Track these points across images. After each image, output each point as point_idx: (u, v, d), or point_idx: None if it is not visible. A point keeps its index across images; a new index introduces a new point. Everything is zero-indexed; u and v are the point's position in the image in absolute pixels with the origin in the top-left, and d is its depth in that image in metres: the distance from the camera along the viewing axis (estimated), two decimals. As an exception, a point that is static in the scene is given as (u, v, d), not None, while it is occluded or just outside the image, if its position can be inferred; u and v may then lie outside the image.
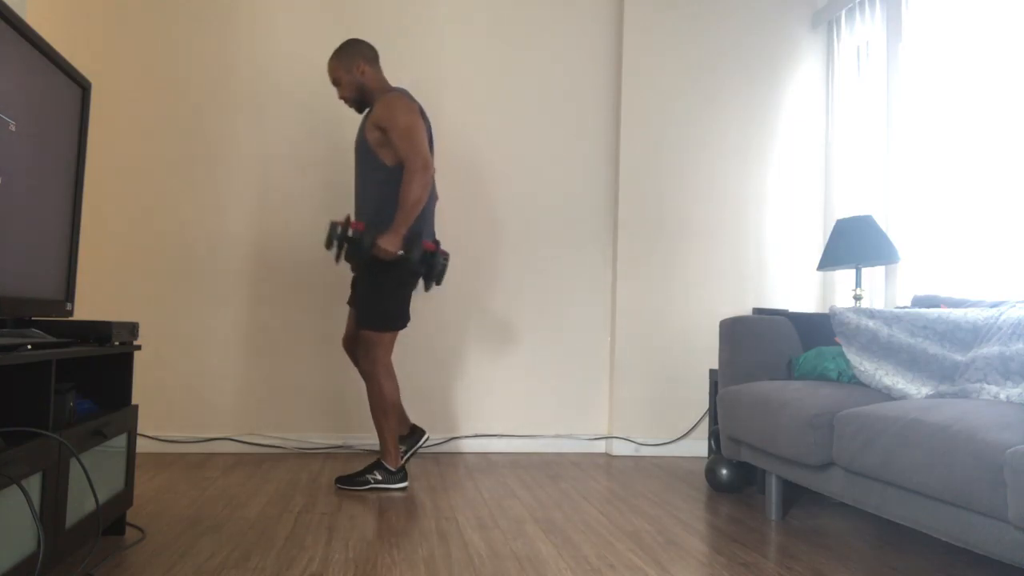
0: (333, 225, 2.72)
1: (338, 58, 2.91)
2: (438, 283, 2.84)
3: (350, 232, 2.72)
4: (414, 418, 3.60)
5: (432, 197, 2.91)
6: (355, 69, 2.89)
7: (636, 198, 3.83)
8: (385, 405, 2.84)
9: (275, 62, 3.66)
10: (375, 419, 2.86)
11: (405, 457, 2.96)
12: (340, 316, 3.62)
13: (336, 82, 2.93)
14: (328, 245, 2.73)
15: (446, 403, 3.71)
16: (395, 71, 3.72)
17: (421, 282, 2.86)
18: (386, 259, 2.72)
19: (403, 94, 2.88)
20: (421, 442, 3.05)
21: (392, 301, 2.83)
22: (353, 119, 3.70)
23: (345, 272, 3.64)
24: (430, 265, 2.80)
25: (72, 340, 1.85)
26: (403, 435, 3.01)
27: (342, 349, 3.62)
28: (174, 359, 3.52)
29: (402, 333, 3.61)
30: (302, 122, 3.66)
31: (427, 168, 2.75)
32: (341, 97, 2.94)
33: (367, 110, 2.95)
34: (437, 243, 2.84)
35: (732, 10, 3.94)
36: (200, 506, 2.48)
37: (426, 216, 2.87)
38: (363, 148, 2.87)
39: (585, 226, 3.85)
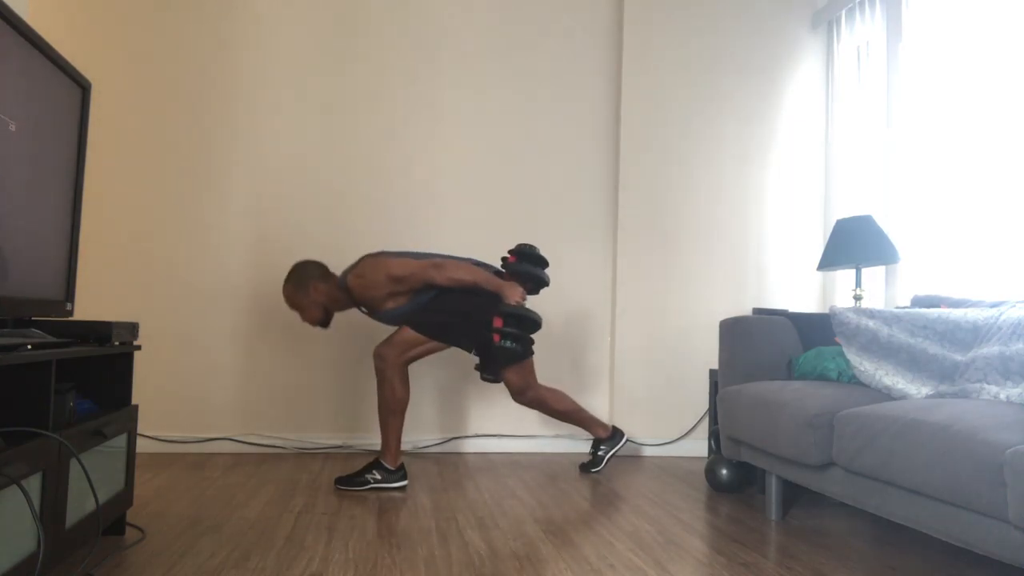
0: (499, 347, 2.81)
1: (292, 287, 2.93)
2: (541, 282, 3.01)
3: (507, 330, 2.81)
4: (418, 418, 3.61)
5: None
6: (312, 292, 2.91)
7: (636, 198, 3.83)
8: (392, 406, 2.86)
9: (275, 62, 3.66)
10: (381, 417, 2.87)
11: (606, 459, 3.24)
12: (339, 315, 3.62)
13: (297, 308, 2.94)
14: (516, 353, 2.84)
15: (446, 403, 3.71)
16: (394, 72, 3.73)
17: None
18: (524, 301, 2.88)
19: (355, 273, 2.89)
20: (622, 443, 3.26)
21: (441, 315, 2.89)
22: (352, 120, 3.70)
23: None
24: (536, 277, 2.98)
25: (72, 340, 1.85)
26: (605, 437, 3.26)
27: (343, 349, 3.62)
28: (174, 359, 3.52)
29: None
30: (302, 121, 3.66)
31: (435, 264, 2.85)
32: (305, 320, 2.97)
33: (358, 303, 2.97)
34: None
35: (732, 10, 3.94)
36: (200, 506, 2.48)
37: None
38: (396, 317, 2.93)
39: (585, 226, 3.86)
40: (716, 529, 2.39)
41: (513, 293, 2.86)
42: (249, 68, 3.64)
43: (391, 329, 3.55)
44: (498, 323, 2.81)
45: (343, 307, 3.00)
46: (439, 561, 1.99)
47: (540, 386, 3.16)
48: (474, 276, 2.86)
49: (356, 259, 3.02)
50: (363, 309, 3.00)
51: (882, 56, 3.51)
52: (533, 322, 2.85)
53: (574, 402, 3.24)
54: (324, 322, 2.99)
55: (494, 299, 2.89)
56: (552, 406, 3.18)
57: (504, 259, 3.02)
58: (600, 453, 3.26)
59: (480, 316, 2.86)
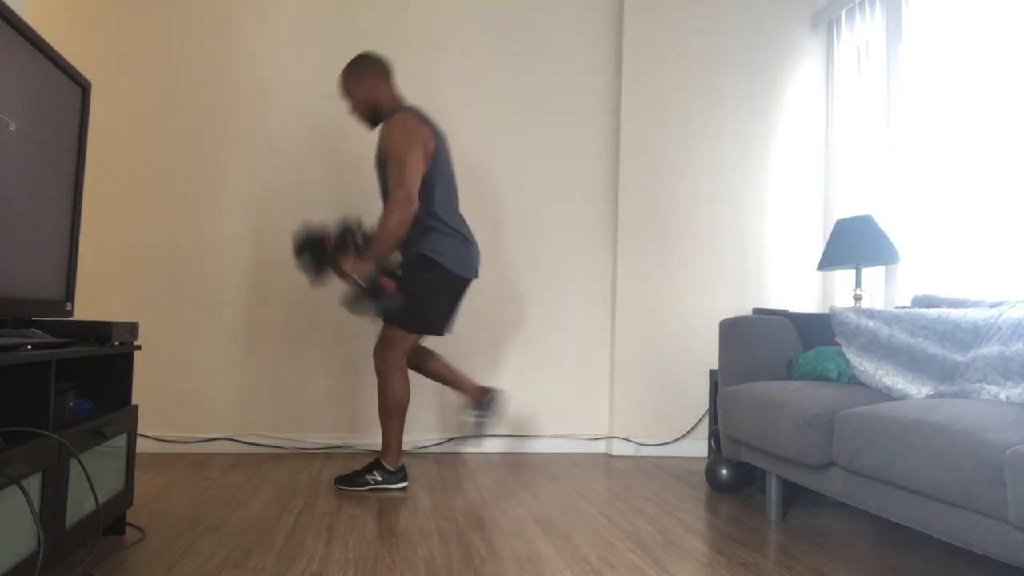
0: (306, 233, 2.70)
1: (350, 71, 2.87)
2: (380, 315, 2.81)
3: (321, 243, 2.72)
4: (418, 418, 3.60)
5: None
6: (366, 83, 2.84)
7: (636, 198, 3.83)
8: (394, 406, 2.85)
9: (275, 61, 3.66)
10: (381, 417, 2.86)
11: (486, 416, 3.00)
12: (340, 315, 3.62)
13: (347, 95, 2.88)
14: (299, 251, 2.72)
15: (446, 403, 3.70)
16: (394, 72, 3.72)
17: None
18: (340, 277, 2.72)
19: (411, 114, 2.81)
20: (497, 400, 3.02)
21: (422, 303, 2.82)
22: (352, 120, 3.70)
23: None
24: (376, 297, 2.73)
25: (72, 340, 1.85)
26: (479, 399, 3.00)
27: (343, 349, 3.62)
28: (174, 359, 3.52)
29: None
30: (302, 121, 3.66)
31: (410, 202, 2.70)
32: (351, 112, 2.90)
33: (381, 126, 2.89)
34: (397, 283, 2.76)
35: (732, 10, 3.94)
36: (200, 506, 2.48)
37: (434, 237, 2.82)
38: (382, 168, 2.84)
39: (585, 226, 3.86)
40: (716, 529, 2.39)
41: (354, 268, 2.69)
42: (248, 68, 3.64)
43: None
44: (327, 240, 2.71)
45: (384, 117, 2.85)
46: (439, 561, 1.99)
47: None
48: (391, 234, 2.68)
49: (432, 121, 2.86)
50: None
51: (882, 56, 3.51)
52: (322, 265, 2.72)
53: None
54: (370, 121, 2.89)
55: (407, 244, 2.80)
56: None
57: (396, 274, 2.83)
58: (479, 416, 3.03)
59: (431, 296, 2.81)
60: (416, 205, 2.73)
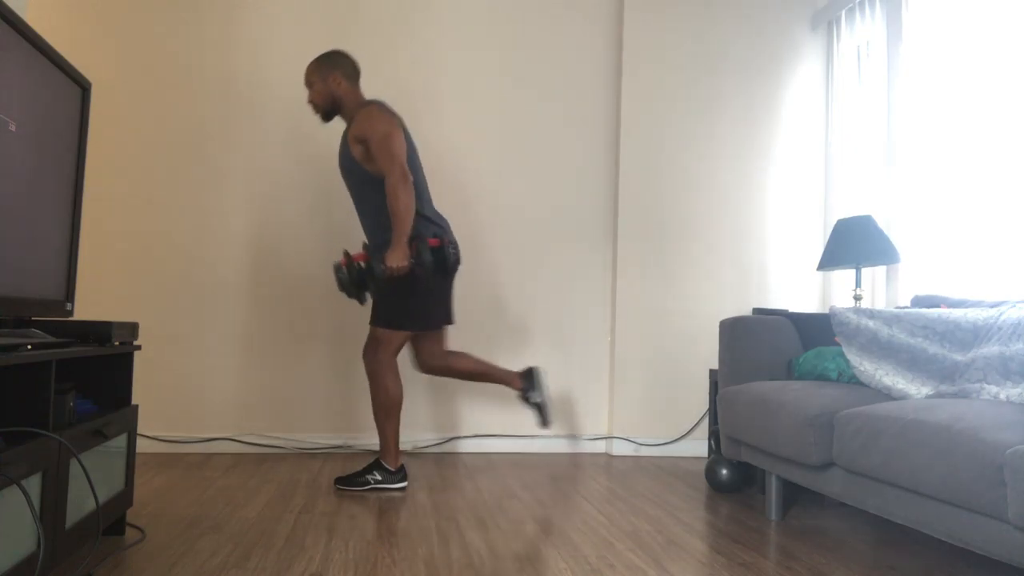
0: (337, 267, 2.70)
1: (317, 63, 2.90)
2: (452, 272, 2.85)
3: (357, 266, 2.71)
4: (417, 418, 3.61)
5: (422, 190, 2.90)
6: (331, 79, 2.87)
7: (636, 198, 3.83)
8: (388, 405, 2.84)
9: (275, 62, 3.66)
10: (376, 418, 2.86)
11: (541, 395, 3.04)
12: (340, 315, 3.63)
13: (309, 85, 2.92)
14: (343, 287, 2.71)
15: (446, 403, 3.71)
16: (394, 73, 3.73)
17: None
18: (401, 274, 2.71)
19: (380, 105, 2.87)
20: (538, 374, 3.05)
21: (408, 301, 2.82)
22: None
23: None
24: (442, 259, 2.80)
25: (72, 340, 1.85)
26: (523, 383, 3.05)
27: (343, 349, 3.62)
28: (174, 359, 3.52)
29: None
30: (301, 122, 3.66)
31: (406, 176, 2.72)
32: (309, 101, 2.93)
33: (346, 127, 2.90)
34: (440, 237, 2.83)
35: (732, 10, 3.95)
36: (200, 506, 2.48)
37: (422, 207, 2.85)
38: (349, 164, 2.86)
39: (585, 226, 3.86)
40: (716, 529, 2.39)
41: (400, 261, 2.67)
42: (248, 68, 3.64)
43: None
44: (359, 258, 2.72)
45: (346, 115, 2.91)
46: (439, 561, 1.99)
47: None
48: (406, 213, 2.69)
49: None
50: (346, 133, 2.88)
51: (882, 56, 3.51)
52: (374, 282, 2.69)
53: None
54: (325, 113, 2.93)
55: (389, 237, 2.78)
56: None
57: (431, 237, 2.83)
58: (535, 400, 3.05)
59: (422, 295, 2.82)
60: (412, 178, 2.75)
